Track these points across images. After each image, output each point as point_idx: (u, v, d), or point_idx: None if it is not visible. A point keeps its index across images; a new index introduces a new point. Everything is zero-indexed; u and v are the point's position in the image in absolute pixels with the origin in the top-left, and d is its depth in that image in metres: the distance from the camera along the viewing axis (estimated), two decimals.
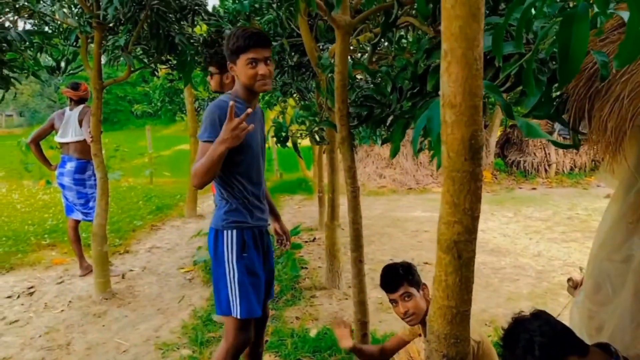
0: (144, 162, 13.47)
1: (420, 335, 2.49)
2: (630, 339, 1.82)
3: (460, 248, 0.86)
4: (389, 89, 2.53)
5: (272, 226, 2.76)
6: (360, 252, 2.82)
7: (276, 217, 2.77)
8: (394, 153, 2.49)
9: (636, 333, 1.76)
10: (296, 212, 8.65)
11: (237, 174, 2.31)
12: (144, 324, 3.89)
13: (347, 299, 4.33)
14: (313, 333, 3.55)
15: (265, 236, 2.47)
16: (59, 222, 7.18)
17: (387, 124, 2.74)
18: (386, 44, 3.24)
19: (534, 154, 11.57)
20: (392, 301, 2.29)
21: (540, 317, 1.71)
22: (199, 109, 8.45)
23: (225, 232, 2.31)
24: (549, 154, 11.46)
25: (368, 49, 3.03)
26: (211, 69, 3.46)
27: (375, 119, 2.68)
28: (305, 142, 6.56)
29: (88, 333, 3.74)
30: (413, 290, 2.23)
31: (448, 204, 0.87)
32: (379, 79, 2.79)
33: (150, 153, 12.23)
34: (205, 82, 7.70)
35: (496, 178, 11.36)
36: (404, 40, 3.42)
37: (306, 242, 6.34)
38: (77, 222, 5.01)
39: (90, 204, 4.86)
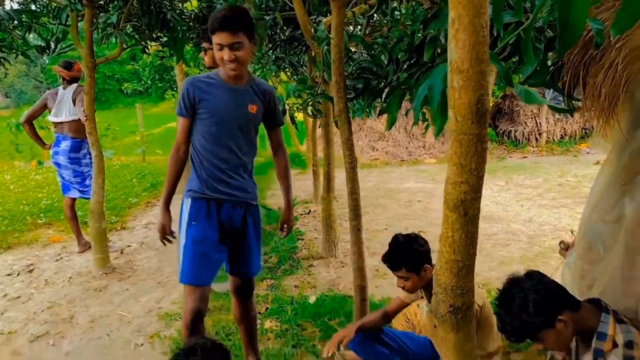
0: (135, 140, 13.39)
1: (421, 297, 2.59)
2: (620, 294, 1.92)
3: (467, 206, 0.92)
4: (385, 61, 2.56)
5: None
6: (358, 221, 2.90)
7: (286, 205, 2.68)
8: (391, 124, 2.54)
9: (626, 288, 1.85)
10: None
11: (200, 143, 2.39)
12: (145, 296, 3.97)
13: (343, 266, 4.43)
14: (312, 300, 3.64)
15: (231, 210, 2.42)
16: (54, 201, 7.18)
17: (384, 96, 2.77)
18: (379, 16, 3.25)
19: (525, 123, 11.66)
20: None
21: (534, 277, 1.79)
22: None
23: (184, 199, 2.42)
24: (539, 123, 11.56)
25: (362, 21, 3.05)
26: (205, 44, 3.45)
27: (371, 90, 2.71)
28: (298, 117, 6.57)
29: (90, 307, 3.81)
30: (411, 275, 2.35)
31: (455, 165, 0.92)
32: (375, 51, 2.81)
33: (142, 131, 12.15)
34: (196, 59, 7.64)
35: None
36: (397, 12, 3.43)
37: (301, 214, 6.41)
38: (74, 200, 5.04)
39: (87, 181, 4.88)
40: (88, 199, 4.72)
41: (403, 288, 2.39)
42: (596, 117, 1.62)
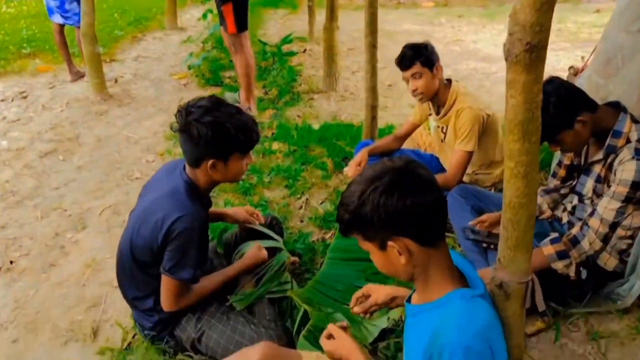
0: None
1: (429, 114, 2.65)
2: (636, 101, 1.99)
3: None
4: None
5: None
6: (374, 37, 2.86)
7: None
8: None
9: None
10: (282, 25, 8.38)
11: None
12: (149, 120, 4.00)
13: (344, 100, 4.45)
14: (316, 127, 3.70)
15: None
16: (35, 32, 6.84)
17: None
18: None
19: None
20: (404, 79, 2.45)
21: (554, 81, 1.82)
22: None
23: None
24: None
25: None
26: None
27: None
28: None
29: (94, 128, 3.85)
30: (425, 70, 2.39)
31: None
32: None
33: None
34: None
35: None
36: None
37: (297, 52, 6.24)
38: (61, 26, 4.80)
39: (66, 5, 4.60)
40: (71, 25, 4.60)
41: (414, 92, 2.42)
42: None
